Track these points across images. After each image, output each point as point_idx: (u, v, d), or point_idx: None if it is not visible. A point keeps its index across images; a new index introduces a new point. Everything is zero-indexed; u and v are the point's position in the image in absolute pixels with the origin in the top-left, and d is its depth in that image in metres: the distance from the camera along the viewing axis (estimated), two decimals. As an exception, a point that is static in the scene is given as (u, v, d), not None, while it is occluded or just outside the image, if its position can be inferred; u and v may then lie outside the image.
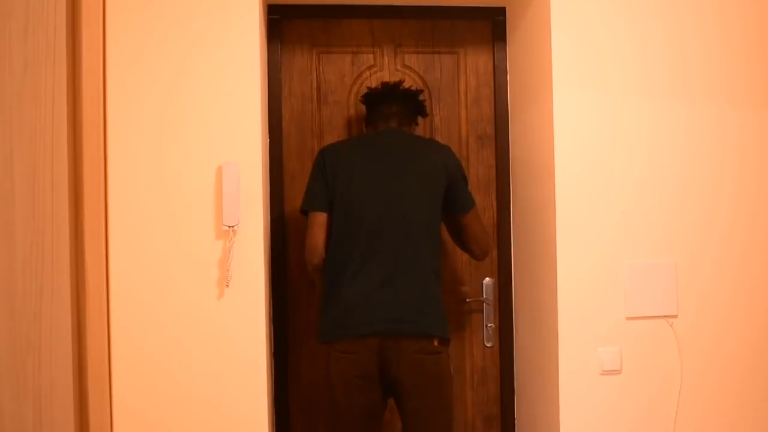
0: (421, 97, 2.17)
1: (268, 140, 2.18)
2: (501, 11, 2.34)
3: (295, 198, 2.29)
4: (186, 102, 1.86)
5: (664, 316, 2.00)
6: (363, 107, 2.26)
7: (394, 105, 2.09)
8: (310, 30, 2.31)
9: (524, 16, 2.18)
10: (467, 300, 2.30)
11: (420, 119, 2.22)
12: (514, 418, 2.35)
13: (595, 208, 1.97)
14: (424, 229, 1.91)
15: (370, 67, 2.33)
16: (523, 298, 2.27)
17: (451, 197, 1.97)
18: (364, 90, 2.27)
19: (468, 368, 2.36)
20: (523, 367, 2.30)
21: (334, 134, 2.30)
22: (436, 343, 1.86)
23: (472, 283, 2.35)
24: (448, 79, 2.34)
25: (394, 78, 2.33)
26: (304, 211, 1.99)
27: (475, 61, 2.36)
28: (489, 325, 2.32)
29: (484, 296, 2.32)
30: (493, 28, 2.35)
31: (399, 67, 2.34)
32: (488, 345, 2.31)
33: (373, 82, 2.32)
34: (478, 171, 2.35)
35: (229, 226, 1.84)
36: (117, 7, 1.82)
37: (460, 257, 2.32)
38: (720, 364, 2.03)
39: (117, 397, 1.78)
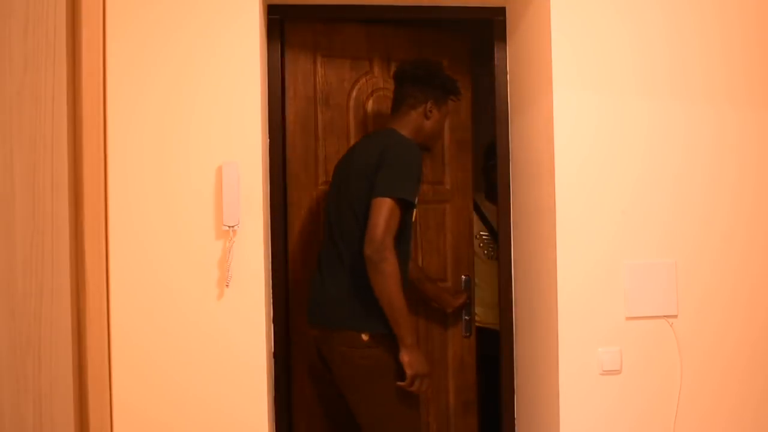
0: (423, 69, 2.06)
1: (269, 140, 2.18)
2: (501, 11, 2.34)
3: (299, 198, 2.30)
4: (186, 102, 1.86)
5: (664, 316, 2.00)
6: (361, 111, 2.28)
7: (398, 88, 2.10)
8: (313, 32, 2.32)
9: (524, 16, 2.18)
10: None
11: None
12: (514, 418, 2.35)
13: (595, 208, 1.97)
14: (361, 229, 1.88)
15: (366, 73, 2.35)
16: (523, 298, 2.27)
17: (378, 178, 1.86)
18: (361, 95, 2.30)
19: (450, 357, 2.46)
20: (523, 367, 2.30)
21: (334, 137, 2.31)
22: (365, 337, 1.86)
23: (453, 279, 2.50)
24: (447, 79, 2.34)
25: (387, 85, 2.34)
26: None
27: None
28: (465, 317, 2.48)
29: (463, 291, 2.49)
30: (493, 28, 2.35)
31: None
32: (465, 335, 2.42)
33: (369, 88, 2.33)
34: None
35: (229, 226, 1.84)
36: (117, 7, 1.82)
37: (443, 255, 2.46)
38: (720, 364, 2.03)
39: (117, 397, 1.78)
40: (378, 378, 1.88)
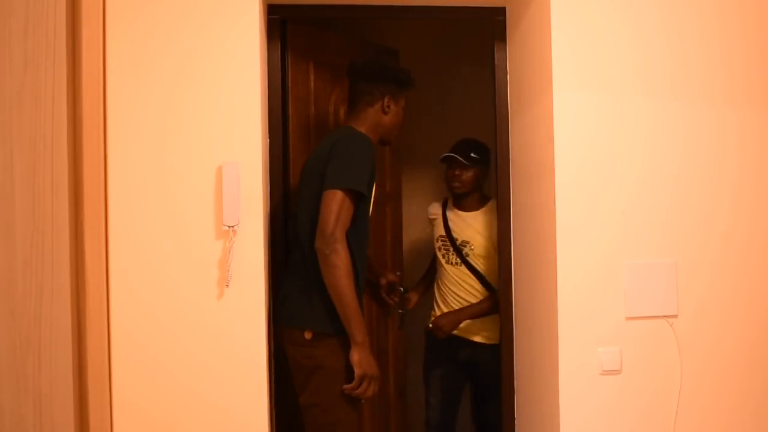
0: (376, 66, 2.04)
1: (269, 140, 2.18)
2: (501, 11, 2.34)
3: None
4: (186, 102, 1.85)
5: (664, 316, 2.00)
6: (340, 116, 2.33)
7: (352, 86, 2.08)
8: (307, 36, 2.35)
9: (524, 16, 2.18)
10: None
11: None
12: (514, 419, 2.35)
13: (595, 208, 1.97)
14: (312, 229, 1.85)
15: (343, 80, 2.37)
16: (523, 297, 2.27)
17: (327, 172, 1.84)
18: (338, 100, 2.36)
19: (390, 349, 2.64)
20: (523, 367, 2.30)
21: (333, 135, 2.32)
22: (308, 335, 1.83)
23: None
24: (448, 79, 2.35)
25: None
26: None
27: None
28: (400, 311, 2.63)
29: (401, 287, 2.64)
30: (493, 28, 2.35)
31: (399, 67, 2.34)
32: (399, 327, 2.63)
33: (344, 94, 2.37)
34: (478, 171, 2.37)
35: (229, 226, 1.84)
36: (117, 7, 1.82)
37: (383, 253, 2.64)
38: (720, 364, 2.03)
39: (117, 397, 1.78)
40: (320, 381, 1.79)
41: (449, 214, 2.71)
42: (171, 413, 1.84)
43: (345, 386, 1.77)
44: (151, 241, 1.84)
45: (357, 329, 1.77)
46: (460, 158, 2.57)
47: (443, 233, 2.69)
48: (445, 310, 2.67)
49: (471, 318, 2.58)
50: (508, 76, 2.35)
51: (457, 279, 2.66)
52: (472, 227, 2.62)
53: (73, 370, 0.86)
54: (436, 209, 2.81)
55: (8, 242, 0.82)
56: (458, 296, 2.66)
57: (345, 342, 1.79)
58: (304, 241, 1.91)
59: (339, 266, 1.76)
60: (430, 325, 2.60)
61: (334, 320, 1.80)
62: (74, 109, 0.88)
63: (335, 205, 1.76)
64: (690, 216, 2.02)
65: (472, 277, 2.61)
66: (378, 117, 2.03)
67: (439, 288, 2.74)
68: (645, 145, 2.00)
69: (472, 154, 2.58)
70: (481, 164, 2.61)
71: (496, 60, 2.34)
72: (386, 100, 2.02)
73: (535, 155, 2.12)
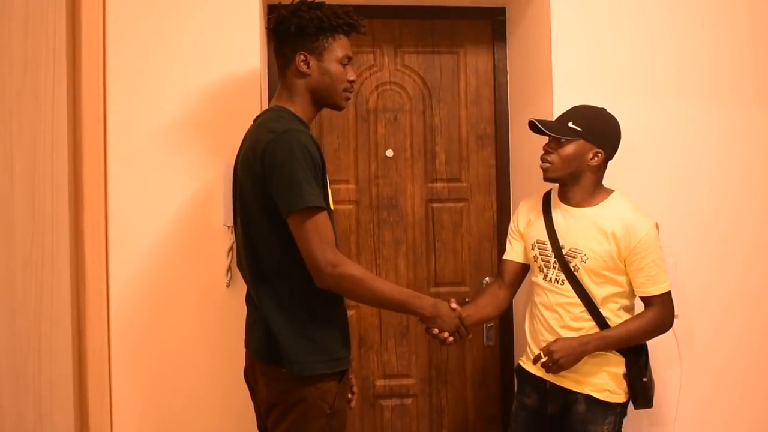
0: (275, 20, 1.60)
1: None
2: (501, 11, 2.34)
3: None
4: (186, 101, 1.85)
5: (664, 316, 2.00)
6: (362, 107, 2.23)
7: (276, 48, 1.66)
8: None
9: (524, 16, 2.18)
10: (467, 300, 2.30)
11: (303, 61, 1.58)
12: (514, 418, 2.35)
13: (595, 208, 1.97)
14: (261, 241, 1.53)
15: (370, 67, 2.33)
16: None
17: (274, 197, 1.50)
18: (364, 90, 2.26)
19: (469, 368, 2.36)
20: (523, 367, 2.29)
21: (334, 134, 2.30)
22: (284, 370, 1.53)
23: (473, 282, 2.36)
24: (448, 78, 2.34)
25: (394, 78, 2.32)
26: None
27: (475, 61, 2.36)
28: (488, 324, 2.31)
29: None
30: (493, 28, 2.35)
31: (399, 67, 2.34)
32: (489, 344, 2.31)
33: (373, 83, 2.32)
34: (478, 171, 2.35)
35: (228, 226, 1.84)
36: (117, 7, 1.81)
37: (460, 256, 2.34)
38: (719, 364, 2.03)
39: (117, 397, 1.78)
40: (300, 416, 1.53)
41: (554, 210, 1.85)
42: (171, 413, 1.84)
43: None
44: (150, 241, 1.83)
45: (416, 307, 1.62)
46: (546, 128, 1.76)
47: (543, 237, 1.84)
48: (536, 351, 1.80)
49: (602, 349, 1.74)
50: (508, 76, 2.35)
51: (557, 305, 1.79)
52: (582, 230, 1.76)
53: (73, 370, 0.86)
54: (530, 206, 1.93)
55: (8, 242, 0.83)
56: (553, 331, 1.79)
57: (330, 380, 1.55)
58: (244, 271, 1.61)
59: (356, 285, 1.50)
60: (542, 356, 1.75)
61: (314, 361, 1.53)
62: (74, 109, 0.88)
63: (307, 232, 1.47)
64: (691, 216, 2.02)
65: (580, 304, 1.74)
66: (299, 82, 1.61)
67: (531, 317, 1.90)
68: (645, 144, 2.00)
69: (571, 124, 1.75)
70: (587, 139, 1.74)
71: (496, 60, 2.34)
72: (300, 57, 1.59)
73: (535, 155, 2.11)
